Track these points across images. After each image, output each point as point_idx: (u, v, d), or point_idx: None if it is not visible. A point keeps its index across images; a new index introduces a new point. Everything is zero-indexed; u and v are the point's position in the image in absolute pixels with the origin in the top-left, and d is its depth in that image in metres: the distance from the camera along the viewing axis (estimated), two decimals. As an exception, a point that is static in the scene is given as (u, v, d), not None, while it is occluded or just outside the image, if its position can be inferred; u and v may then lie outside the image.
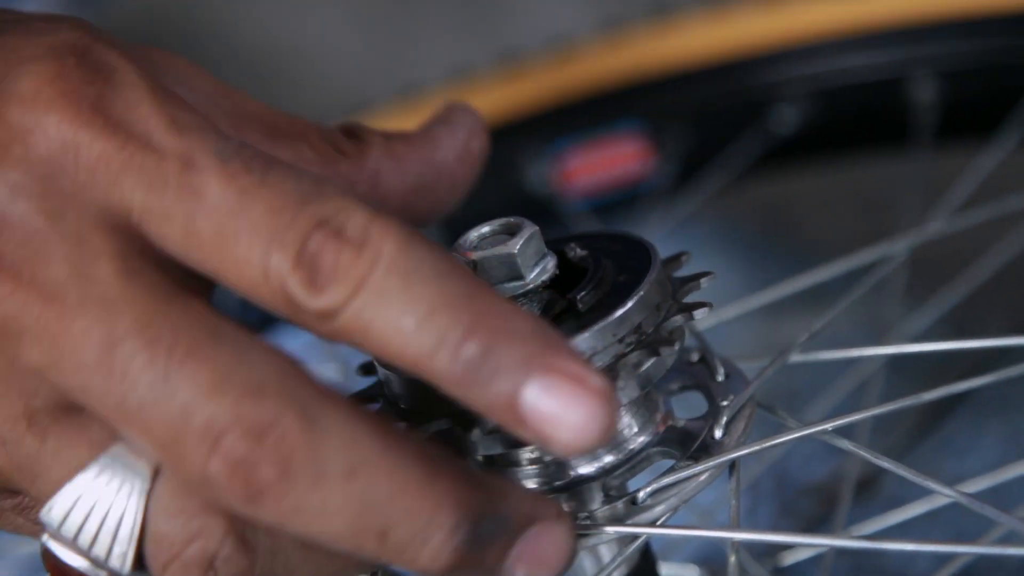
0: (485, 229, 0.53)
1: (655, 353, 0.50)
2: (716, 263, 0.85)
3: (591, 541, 0.51)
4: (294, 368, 0.45)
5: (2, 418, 0.46)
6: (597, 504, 0.52)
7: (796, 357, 0.56)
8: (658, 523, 0.51)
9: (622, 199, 0.87)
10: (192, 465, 0.44)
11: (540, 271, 0.52)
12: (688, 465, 0.51)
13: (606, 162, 0.86)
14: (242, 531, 0.46)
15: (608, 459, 0.52)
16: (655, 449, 0.53)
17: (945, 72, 0.81)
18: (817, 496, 0.70)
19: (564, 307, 0.53)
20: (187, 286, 0.45)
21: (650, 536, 0.52)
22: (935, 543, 0.47)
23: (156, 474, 0.46)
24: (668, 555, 0.61)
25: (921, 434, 0.71)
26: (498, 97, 0.88)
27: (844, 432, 0.52)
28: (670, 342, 0.50)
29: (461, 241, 0.53)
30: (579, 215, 0.85)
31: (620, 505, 0.51)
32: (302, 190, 0.44)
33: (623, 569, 0.54)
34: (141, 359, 0.44)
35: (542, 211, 0.86)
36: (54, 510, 0.46)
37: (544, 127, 0.87)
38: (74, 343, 0.44)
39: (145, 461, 0.46)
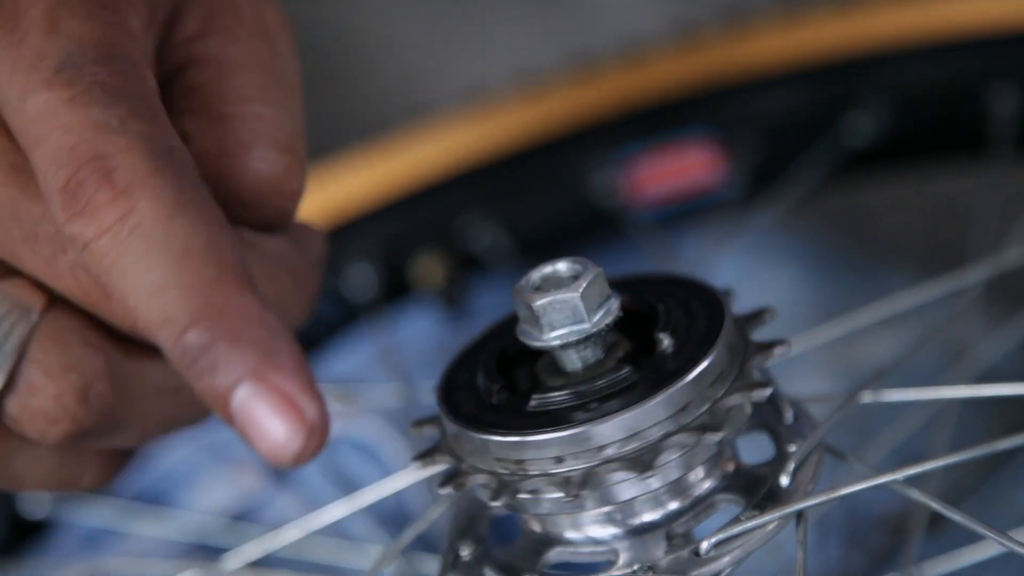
0: (547, 270, 0.52)
1: (705, 431, 0.49)
2: (787, 274, 0.83)
3: (656, 592, 0.50)
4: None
5: None
6: (661, 552, 0.51)
7: (867, 398, 0.54)
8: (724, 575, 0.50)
9: (691, 210, 0.85)
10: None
11: (604, 314, 0.51)
12: (754, 515, 0.50)
13: (675, 171, 0.84)
14: (117, 372, 0.48)
15: (673, 505, 0.51)
16: (721, 496, 0.52)
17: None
18: (887, 528, 0.68)
19: (629, 351, 0.52)
20: None
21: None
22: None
23: (44, 311, 0.48)
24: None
25: (993, 466, 0.69)
26: (566, 100, 0.87)
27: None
28: (717, 428, 0.49)
29: (523, 283, 0.52)
30: (646, 225, 0.84)
31: (684, 554, 0.50)
32: (103, 122, 0.46)
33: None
34: None
35: (607, 221, 0.85)
36: None
37: (613, 133, 0.85)
38: None
39: (34, 298, 0.48)
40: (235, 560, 0.60)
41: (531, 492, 0.49)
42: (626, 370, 0.50)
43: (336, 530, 0.71)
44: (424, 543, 0.66)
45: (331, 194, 0.87)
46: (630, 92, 0.86)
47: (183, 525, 0.74)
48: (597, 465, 0.49)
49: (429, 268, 0.86)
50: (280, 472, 0.77)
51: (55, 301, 0.48)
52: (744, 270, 0.83)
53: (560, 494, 0.49)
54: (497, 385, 0.51)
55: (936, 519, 0.67)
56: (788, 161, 0.82)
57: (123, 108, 0.46)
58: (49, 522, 0.78)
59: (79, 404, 0.47)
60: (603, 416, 0.49)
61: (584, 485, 0.49)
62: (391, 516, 0.72)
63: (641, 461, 0.49)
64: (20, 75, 0.47)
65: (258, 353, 0.44)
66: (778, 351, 0.51)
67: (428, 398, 0.71)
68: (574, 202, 0.85)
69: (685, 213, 0.84)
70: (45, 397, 0.47)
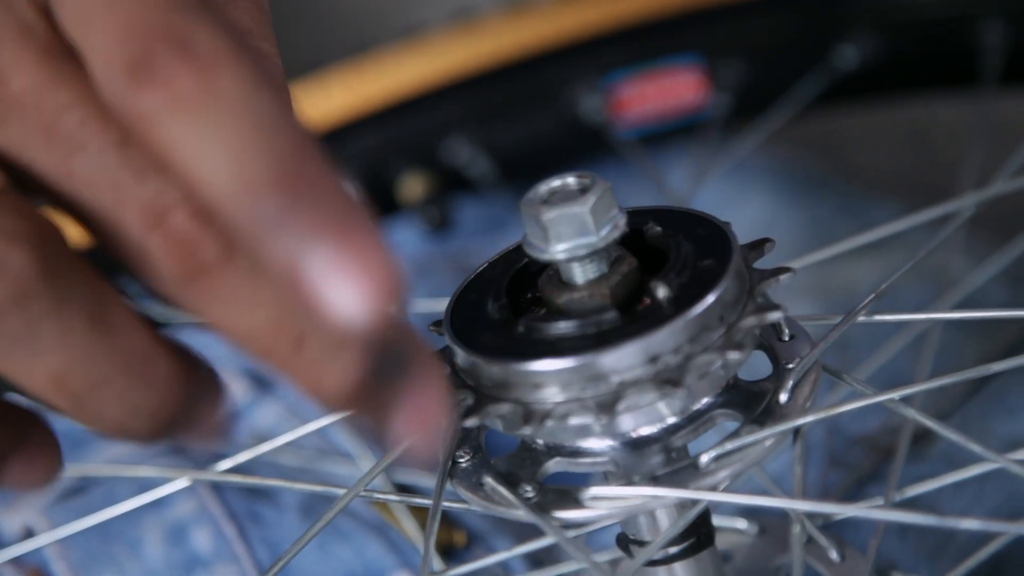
0: (556, 183, 0.52)
1: (726, 351, 0.50)
2: (768, 200, 0.84)
3: (651, 505, 0.51)
4: None
5: None
6: (659, 465, 0.51)
7: (861, 318, 0.55)
8: (720, 489, 0.51)
9: (675, 128, 0.86)
10: (129, 237, 0.44)
11: (611, 228, 0.52)
12: (753, 429, 0.51)
13: (661, 93, 0.85)
14: (51, 270, 0.44)
15: (672, 419, 0.52)
16: (719, 411, 0.52)
17: (1014, 16, 0.80)
18: (868, 447, 0.69)
19: (630, 267, 0.52)
20: None
21: (711, 502, 0.52)
22: (1011, 523, 0.47)
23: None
24: (716, 506, 0.61)
25: (974, 390, 0.70)
26: (552, 22, 0.87)
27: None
28: (739, 347, 0.50)
29: (531, 195, 0.52)
30: (630, 143, 0.84)
31: (684, 467, 0.51)
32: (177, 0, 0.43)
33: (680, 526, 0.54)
34: (93, 126, 0.44)
35: (594, 138, 0.85)
36: None
37: (599, 53, 0.86)
38: (14, 101, 0.44)
39: None
40: (227, 464, 0.61)
41: (560, 418, 0.50)
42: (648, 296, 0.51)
43: (326, 441, 0.71)
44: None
45: (313, 112, 0.87)
46: (618, 15, 0.86)
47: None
48: (627, 385, 0.50)
49: (413, 186, 0.87)
50: (262, 379, 0.77)
51: (4, 186, 0.45)
52: (725, 195, 0.84)
53: (591, 419, 0.50)
54: (503, 307, 0.52)
55: (916, 441, 0.68)
56: (773, 88, 0.83)
57: None
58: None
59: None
60: (626, 340, 0.50)
61: (612, 408, 0.50)
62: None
63: (670, 380, 0.50)
64: None
65: (339, 215, 0.42)
66: (783, 278, 0.52)
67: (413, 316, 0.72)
68: (559, 121, 0.86)
69: (670, 132, 0.85)
70: None
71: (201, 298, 0.44)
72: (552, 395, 0.50)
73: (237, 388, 0.76)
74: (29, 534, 0.70)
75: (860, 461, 0.69)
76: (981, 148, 0.74)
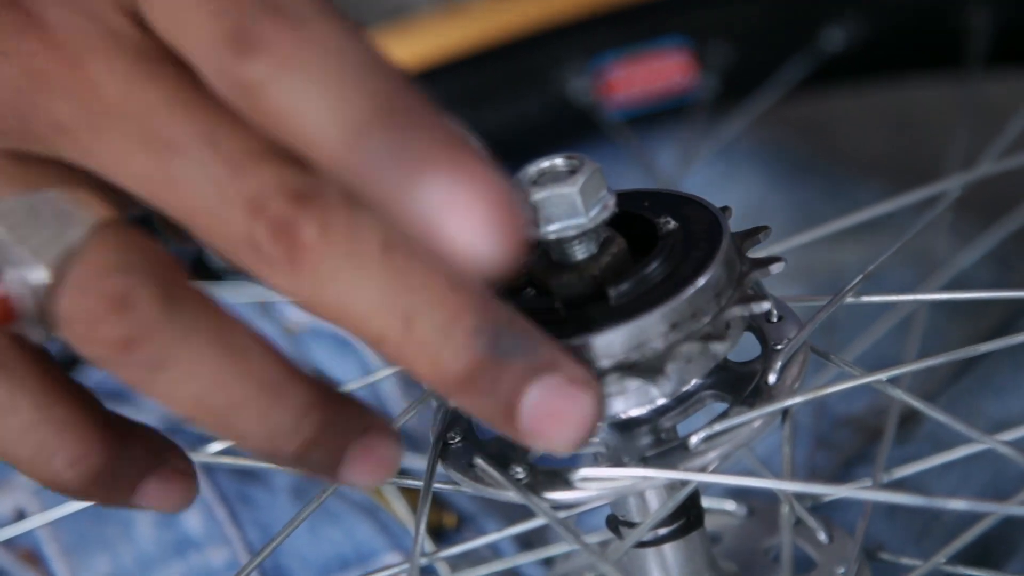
0: (545, 164, 0.53)
1: (710, 340, 0.50)
2: (755, 182, 0.84)
3: (641, 486, 0.51)
4: None
5: None
6: (648, 446, 0.52)
7: (849, 300, 0.55)
8: (709, 470, 0.51)
9: (663, 109, 0.86)
10: (234, 232, 0.44)
11: (600, 209, 0.52)
12: (741, 411, 0.51)
13: (649, 75, 0.85)
14: (168, 290, 0.45)
15: (660, 401, 0.52)
16: (708, 392, 0.53)
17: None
18: (854, 429, 0.70)
19: (620, 247, 0.53)
20: None
21: (701, 483, 0.52)
22: (999, 503, 0.47)
23: (107, 220, 0.46)
24: (705, 488, 0.61)
25: (961, 371, 0.70)
26: (540, 4, 0.87)
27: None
28: (721, 337, 0.50)
29: (520, 177, 0.52)
30: (618, 125, 0.85)
31: (673, 448, 0.51)
32: None
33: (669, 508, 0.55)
34: (186, 130, 0.44)
35: (582, 120, 0.86)
36: None
37: (587, 37, 0.86)
38: (108, 110, 0.45)
39: (99, 206, 0.46)
40: (218, 446, 0.61)
41: None
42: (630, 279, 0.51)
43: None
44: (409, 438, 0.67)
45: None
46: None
47: (156, 412, 0.75)
48: (605, 371, 0.50)
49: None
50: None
51: (119, 218, 0.46)
52: (711, 177, 0.84)
53: None
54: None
55: (903, 423, 0.69)
56: (760, 70, 0.83)
57: None
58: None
59: (123, 308, 0.45)
60: (611, 325, 0.50)
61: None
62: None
63: (652, 368, 0.50)
64: None
65: (451, 146, 0.41)
66: (774, 268, 0.52)
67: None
68: (547, 103, 0.86)
69: (657, 113, 0.85)
70: (91, 295, 0.45)
71: (308, 283, 0.44)
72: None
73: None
74: (21, 516, 0.70)
75: (847, 442, 0.70)
76: (966, 130, 0.74)
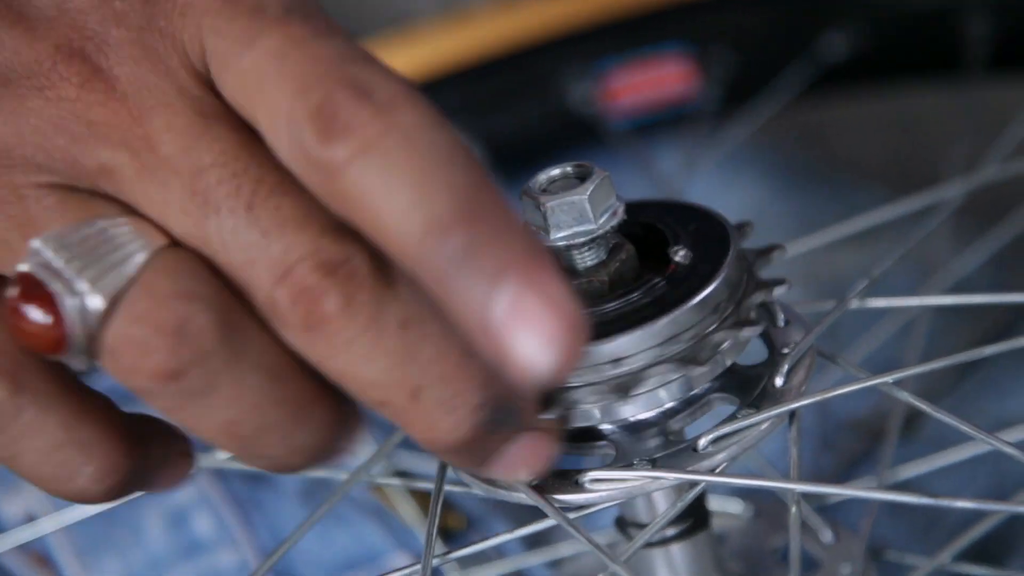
0: (555, 172, 0.53)
1: (738, 330, 0.51)
2: (757, 188, 0.85)
3: (651, 487, 0.51)
4: None
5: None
6: (657, 447, 0.52)
7: (855, 304, 0.56)
8: (718, 471, 0.51)
9: (666, 119, 0.86)
10: (257, 289, 0.45)
11: (609, 216, 0.53)
12: (749, 413, 0.52)
13: (651, 82, 0.86)
14: (225, 319, 0.45)
15: (669, 404, 0.53)
16: (716, 395, 0.53)
17: (1000, 4, 0.81)
18: (858, 431, 0.70)
19: (628, 253, 0.53)
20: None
21: (709, 484, 0.52)
22: (1003, 503, 0.48)
23: (164, 248, 0.46)
24: (712, 489, 0.62)
25: (963, 373, 0.71)
26: (542, 13, 0.88)
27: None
28: (752, 323, 0.51)
29: (530, 184, 0.53)
30: (621, 134, 0.85)
31: (682, 450, 0.52)
32: (348, 52, 0.44)
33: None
34: (226, 188, 0.45)
35: (584, 129, 0.86)
36: (43, 243, 0.46)
37: (589, 45, 0.87)
38: (159, 165, 0.45)
39: (155, 235, 0.46)
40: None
41: (574, 403, 0.52)
42: (632, 294, 0.52)
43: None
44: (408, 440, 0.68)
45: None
46: (607, 3, 0.87)
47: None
48: (574, 388, 0.51)
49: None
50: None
51: (176, 246, 0.46)
52: (713, 184, 0.84)
53: (605, 401, 0.52)
54: None
55: (906, 424, 0.69)
56: (761, 76, 0.84)
57: (358, 42, 0.45)
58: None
59: (175, 331, 0.45)
60: (641, 323, 0.51)
61: (554, 403, 0.51)
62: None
63: (622, 386, 0.51)
64: (242, 19, 0.45)
65: (524, 253, 0.42)
66: (778, 291, 0.53)
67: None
68: (550, 111, 0.87)
69: (660, 122, 0.86)
70: (146, 324, 0.45)
71: (322, 348, 0.45)
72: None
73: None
74: (30, 519, 0.70)
75: (850, 444, 0.70)
76: (967, 136, 0.75)
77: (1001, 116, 0.75)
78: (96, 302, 0.45)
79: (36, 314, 0.45)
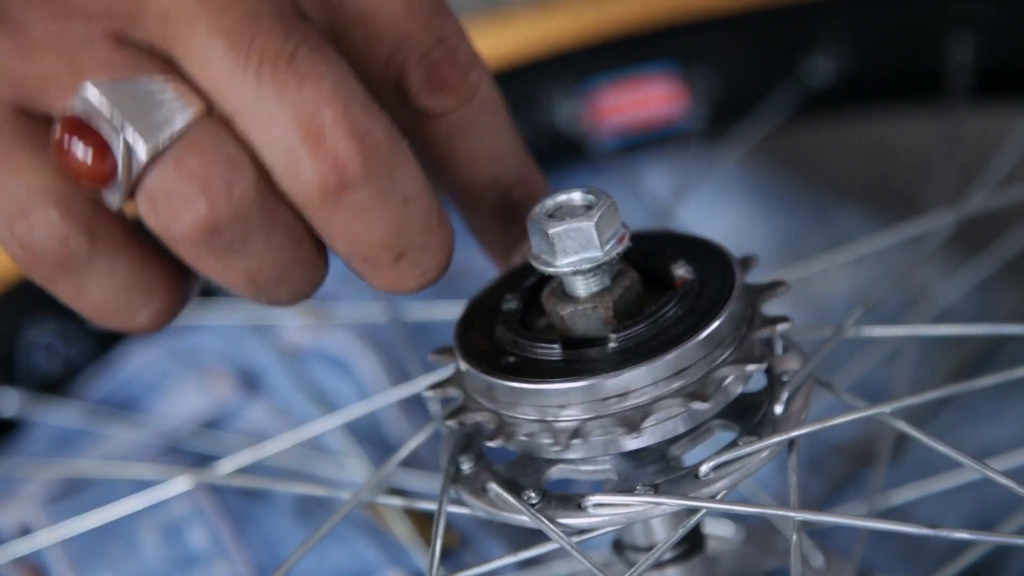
0: (562, 198, 0.54)
1: (743, 366, 0.52)
2: (743, 211, 0.86)
3: (652, 512, 0.52)
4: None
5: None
6: (659, 473, 0.53)
7: (851, 332, 0.57)
8: (718, 498, 0.52)
9: (652, 139, 0.87)
10: (292, 153, 0.48)
11: (615, 243, 0.53)
12: (750, 440, 0.53)
13: (638, 104, 0.86)
14: (262, 183, 0.49)
15: (672, 434, 0.53)
16: (717, 422, 0.54)
17: (983, 31, 0.82)
18: (846, 455, 0.71)
19: (632, 280, 0.54)
20: None
21: (709, 510, 0.53)
22: (1000, 535, 0.49)
23: (207, 112, 0.49)
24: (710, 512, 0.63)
25: (946, 400, 0.72)
26: (530, 31, 0.88)
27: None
28: (758, 360, 0.52)
29: (537, 210, 0.53)
30: (609, 153, 0.86)
31: (684, 476, 0.53)
32: (434, 4, 0.53)
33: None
34: (275, 39, 0.48)
35: (572, 148, 0.87)
36: (94, 89, 0.49)
37: (577, 64, 0.87)
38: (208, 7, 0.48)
39: (198, 99, 0.49)
40: (227, 466, 0.62)
41: (527, 435, 0.52)
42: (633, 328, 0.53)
43: (314, 443, 0.72)
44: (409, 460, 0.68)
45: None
46: (595, 25, 0.88)
47: (155, 430, 0.76)
48: (590, 419, 0.52)
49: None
50: (251, 379, 0.78)
51: (212, 116, 0.49)
52: (698, 206, 0.85)
53: (551, 441, 0.52)
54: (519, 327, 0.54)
55: (895, 449, 0.70)
56: (746, 97, 0.85)
57: None
58: (19, 420, 0.79)
59: (222, 190, 0.48)
60: (601, 373, 0.51)
61: (575, 436, 0.52)
62: (362, 430, 0.73)
63: (630, 421, 0.51)
64: None
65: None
66: (780, 328, 0.54)
67: (402, 315, 0.73)
68: (538, 130, 0.87)
69: (646, 142, 0.87)
70: (192, 175, 0.48)
71: (335, 210, 0.49)
72: (576, 413, 0.52)
73: (226, 388, 0.78)
74: (25, 531, 0.71)
75: (837, 467, 0.71)
76: (950, 163, 0.76)
77: (983, 143, 0.76)
78: (142, 149, 0.48)
79: (84, 149, 0.48)
